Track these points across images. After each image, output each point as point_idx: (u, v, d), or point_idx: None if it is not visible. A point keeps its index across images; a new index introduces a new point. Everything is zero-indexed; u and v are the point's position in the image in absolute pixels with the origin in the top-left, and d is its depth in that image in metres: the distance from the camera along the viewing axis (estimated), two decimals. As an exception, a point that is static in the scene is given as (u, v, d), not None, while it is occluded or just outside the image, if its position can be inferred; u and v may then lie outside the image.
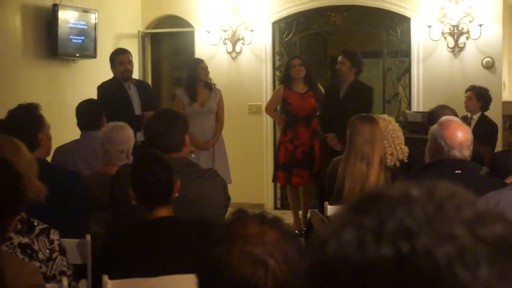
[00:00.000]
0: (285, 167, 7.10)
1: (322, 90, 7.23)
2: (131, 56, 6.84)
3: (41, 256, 2.73)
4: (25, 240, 2.70)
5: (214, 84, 7.18)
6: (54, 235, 2.78)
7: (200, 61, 7.21)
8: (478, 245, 0.61)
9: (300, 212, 7.22)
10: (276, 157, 7.20)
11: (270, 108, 7.39)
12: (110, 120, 4.68)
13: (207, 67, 7.11)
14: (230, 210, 3.09)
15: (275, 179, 7.31)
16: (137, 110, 6.64)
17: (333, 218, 0.68)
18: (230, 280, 1.36)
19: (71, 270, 2.85)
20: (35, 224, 2.76)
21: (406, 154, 4.90)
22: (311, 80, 7.14)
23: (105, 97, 6.38)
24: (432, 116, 5.08)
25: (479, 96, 7.06)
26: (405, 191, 0.67)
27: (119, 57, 6.70)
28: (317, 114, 7.20)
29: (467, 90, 7.18)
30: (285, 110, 7.21)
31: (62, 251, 2.81)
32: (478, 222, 0.63)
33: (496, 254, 0.61)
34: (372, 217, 0.65)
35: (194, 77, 7.04)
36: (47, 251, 2.74)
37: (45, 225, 2.78)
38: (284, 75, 7.31)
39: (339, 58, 7.03)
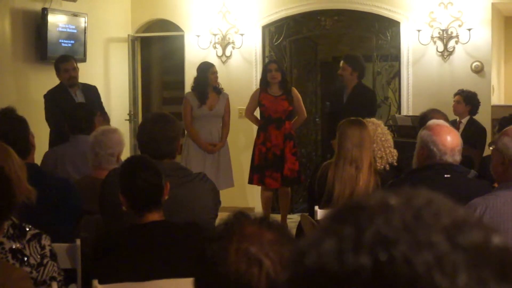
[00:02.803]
0: (258, 168, 7.21)
1: (298, 94, 7.36)
2: (76, 62, 6.74)
3: (32, 261, 2.72)
4: (17, 245, 2.70)
5: (222, 88, 7.30)
6: (46, 241, 2.77)
7: (210, 66, 7.36)
8: (456, 253, 0.62)
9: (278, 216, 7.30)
10: (252, 159, 7.29)
11: (248, 111, 7.51)
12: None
13: (217, 72, 7.28)
14: (221, 214, 3.09)
15: (251, 181, 7.38)
16: None
17: (313, 228, 0.69)
18: (225, 275, 1.38)
19: (61, 276, 2.84)
20: (27, 229, 2.75)
21: (395, 158, 4.92)
22: (286, 85, 7.28)
23: (49, 106, 6.34)
24: (424, 119, 5.09)
25: (468, 100, 7.10)
26: (383, 199, 0.67)
27: (63, 65, 6.62)
28: (295, 119, 7.31)
29: (455, 94, 7.22)
30: (259, 112, 7.36)
31: (53, 256, 2.80)
32: (456, 229, 0.64)
33: (474, 261, 0.62)
34: (350, 226, 0.65)
35: (204, 81, 7.18)
36: (38, 256, 2.74)
37: (36, 230, 2.77)
38: (261, 78, 7.43)
39: (341, 63, 7.13)
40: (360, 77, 7.08)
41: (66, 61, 6.66)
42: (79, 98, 6.62)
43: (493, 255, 0.63)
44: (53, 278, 2.76)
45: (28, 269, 2.67)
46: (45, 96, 6.61)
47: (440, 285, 0.60)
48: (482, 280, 0.61)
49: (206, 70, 7.21)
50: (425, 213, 0.65)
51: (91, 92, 6.82)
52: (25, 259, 2.70)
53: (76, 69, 6.66)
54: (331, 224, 0.67)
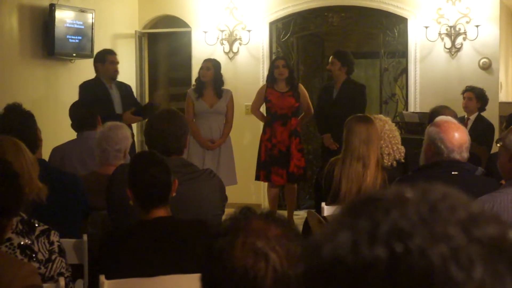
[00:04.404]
0: (264, 165, 7.21)
1: (305, 91, 7.36)
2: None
3: (40, 257, 2.72)
4: (25, 241, 2.70)
5: (223, 90, 7.30)
6: (54, 237, 2.78)
7: (204, 61, 7.38)
8: (472, 246, 0.62)
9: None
10: (259, 156, 7.29)
11: (254, 107, 7.50)
12: None
13: (206, 67, 7.26)
14: (228, 210, 3.10)
15: (257, 178, 7.38)
16: (118, 110, 6.73)
17: (328, 222, 0.70)
18: (232, 270, 1.39)
19: (69, 272, 2.84)
20: (36, 225, 2.76)
21: (403, 154, 4.91)
22: (293, 81, 7.27)
23: (87, 96, 6.42)
24: (434, 116, 5.08)
25: (479, 97, 7.08)
26: (398, 193, 0.68)
27: (111, 57, 6.81)
28: (301, 115, 7.31)
29: (465, 91, 7.19)
30: (265, 108, 7.36)
31: (62, 252, 2.80)
32: (472, 222, 0.64)
33: (490, 254, 0.62)
34: (366, 219, 0.65)
35: (198, 77, 7.28)
36: (47, 252, 2.74)
37: (45, 226, 2.78)
38: (268, 74, 7.42)
39: (330, 58, 7.18)
40: (349, 72, 7.12)
41: (113, 53, 6.90)
42: (114, 92, 6.77)
43: (509, 249, 0.63)
44: (61, 274, 2.77)
45: (36, 264, 2.68)
46: (80, 86, 6.71)
47: (455, 278, 0.60)
48: (497, 274, 0.61)
49: (201, 66, 7.31)
50: (441, 207, 0.65)
51: (126, 89, 6.98)
52: (34, 255, 2.70)
53: (118, 63, 6.89)
54: (346, 217, 0.67)
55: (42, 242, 2.73)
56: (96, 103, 6.31)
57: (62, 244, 2.82)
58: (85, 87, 6.67)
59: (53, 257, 2.76)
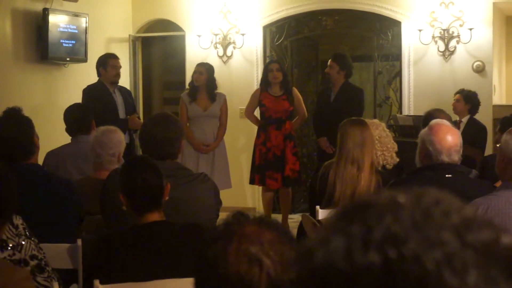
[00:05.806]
0: (259, 169, 7.20)
1: (299, 94, 7.36)
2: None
3: (11, 243, 2.71)
4: None
5: (216, 93, 7.32)
6: (17, 220, 2.76)
7: (197, 65, 7.42)
8: (466, 251, 0.62)
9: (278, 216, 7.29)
10: (253, 160, 7.29)
11: (248, 111, 7.50)
12: (96, 123, 4.76)
13: (199, 72, 7.30)
14: (222, 213, 3.09)
15: (252, 182, 7.38)
16: (122, 114, 6.79)
17: (321, 227, 0.69)
18: (225, 276, 1.38)
19: (42, 254, 2.82)
20: None
21: (397, 158, 4.92)
22: (287, 85, 7.26)
23: (92, 100, 6.43)
24: (428, 119, 5.09)
25: (467, 99, 7.09)
26: (392, 198, 0.67)
27: (112, 61, 6.86)
28: (296, 119, 7.32)
29: (456, 93, 7.22)
30: (260, 112, 7.36)
31: (28, 234, 2.78)
32: (465, 228, 0.64)
33: (484, 259, 0.62)
34: (359, 224, 0.65)
35: (191, 81, 7.32)
36: (16, 237, 2.73)
37: None
38: (262, 78, 7.42)
39: (329, 62, 7.16)
40: (347, 76, 7.11)
41: (115, 57, 6.94)
42: (117, 96, 6.82)
43: (503, 254, 0.63)
44: (33, 257, 2.75)
45: (10, 252, 2.67)
46: (84, 90, 6.75)
47: (449, 283, 0.60)
48: (491, 279, 0.61)
49: (194, 71, 7.32)
50: (434, 212, 0.65)
51: (127, 94, 7.04)
52: (5, 244, 2.69)
53: (120, 68, 6.93)
54: (339, 222, 0.67)
55: (8, 228, 2.71)
56: (101, 107, 6.35)
57: (26, 226, 2.80)
58: (89, 92, 6.69)
59: (21, 240, 2.74)
